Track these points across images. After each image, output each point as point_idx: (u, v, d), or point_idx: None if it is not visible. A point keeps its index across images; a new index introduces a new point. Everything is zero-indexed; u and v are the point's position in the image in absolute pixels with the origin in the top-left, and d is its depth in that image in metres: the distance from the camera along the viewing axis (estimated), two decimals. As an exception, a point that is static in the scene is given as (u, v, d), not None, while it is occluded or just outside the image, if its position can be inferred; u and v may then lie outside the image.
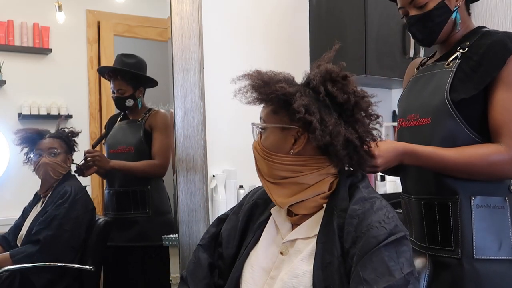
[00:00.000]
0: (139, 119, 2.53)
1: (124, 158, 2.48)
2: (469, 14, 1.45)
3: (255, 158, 1.15)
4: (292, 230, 1.13)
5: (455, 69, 1.33)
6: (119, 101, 2.51)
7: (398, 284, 0.93)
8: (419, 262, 1.15)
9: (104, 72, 2.58)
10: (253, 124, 1.16)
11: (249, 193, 1.31)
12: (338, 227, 1.02)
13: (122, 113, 2.62)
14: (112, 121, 2.67)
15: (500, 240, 1.29)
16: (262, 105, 1.15)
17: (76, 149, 2.36)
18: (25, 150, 2.30)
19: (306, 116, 1.03)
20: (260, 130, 1.14)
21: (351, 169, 1.13)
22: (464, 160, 1.28)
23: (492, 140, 1.29)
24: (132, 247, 2.46)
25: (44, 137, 2.28)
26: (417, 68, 1.53)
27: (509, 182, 1.33)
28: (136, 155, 2.46)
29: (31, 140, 2.29)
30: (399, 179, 1.57)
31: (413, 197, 1.44)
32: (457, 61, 1.35)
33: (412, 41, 2.50)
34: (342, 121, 1.07)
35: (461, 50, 1.36)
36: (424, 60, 1.54)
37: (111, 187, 2.53)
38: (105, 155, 2.53)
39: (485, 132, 1.31)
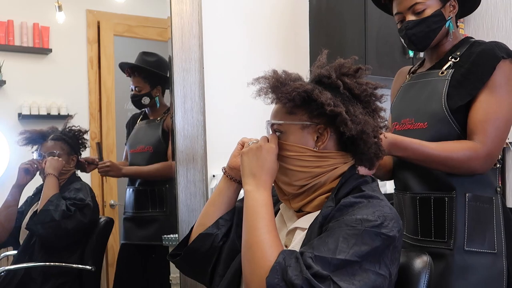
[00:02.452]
0: (158, 119, 2.53)
1: (142, 158, 2.49)
2: (457, 26, 1.56)
3: None
4: None
5: (449, 78, 1.43)
6: (135, 98, 2.53)
7: (333, 262, 0.90)
8: (419, 262, 1.15)
9: (124, 68, 2.59)
10: (269, 122, 1.14)
11: None
12: (323, 217, 1.03)
13: (143, 113, 2.63)
14: (133, 120, 2.68)
15: (484, 235, 1.41)
16: (262, 107, 1.15)
17: (86, 145, 2.39)
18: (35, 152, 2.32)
19: (335, 109, 1.04)
20: (277, 134, 1.13)
21: (364, 163, 1.14)
22: (444, 154, 1.37)
23: (468, 138, 1.39)
24: (150, 246, 2.47)
25: (47, 139, 2.29)
26: (409, 75, 1.63)
27: (496, 183, 1.46)
28: (154, 155, 2.47)
29: (35, 141, 2.30)
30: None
31: (408, 193, 1.52)
32: (450, 70, 1.44)
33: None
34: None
35: (453, 60, 1.45)
36: (414, 68, 1.64)
37: (132, 185, 2.54)
38: (128, 155, 2.55)
39: None
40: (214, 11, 2.29)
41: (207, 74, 2.22)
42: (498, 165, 1.46)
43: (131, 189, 2.54)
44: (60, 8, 2.69)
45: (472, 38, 1.53)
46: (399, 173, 1.57)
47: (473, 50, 1.44)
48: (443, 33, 1.49)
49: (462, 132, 1.41)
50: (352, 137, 1.07)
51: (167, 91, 2.57)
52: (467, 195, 1.41)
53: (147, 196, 2.48)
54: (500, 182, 1.50)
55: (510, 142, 2.66)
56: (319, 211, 1.07)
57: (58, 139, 2.30)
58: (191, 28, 2.18)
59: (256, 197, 1.03)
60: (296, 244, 1.07)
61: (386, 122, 1.15)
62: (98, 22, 2.84)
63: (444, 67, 1.46)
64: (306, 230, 1.06)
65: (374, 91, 1.12)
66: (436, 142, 1.39)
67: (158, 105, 2.54)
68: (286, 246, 1.10)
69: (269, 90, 1.11)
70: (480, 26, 2.84)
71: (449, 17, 1.48)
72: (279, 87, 1.08)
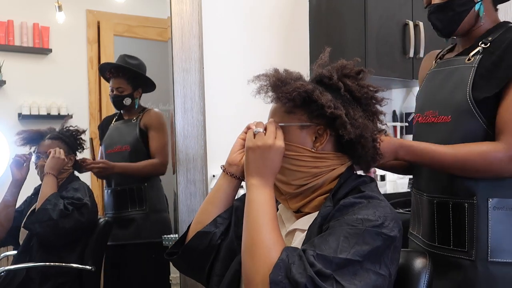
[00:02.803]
0: (134, 118, 2.54)
1: (120, 157, 2.50)
2: (496, 9, 1.41)
3: None
4: None
5: (476, 65, 1.29)
6: (117, 99, 2.53)
7: (335, 261, 0.89)
8: (419, 262, 1.15)
9: (106, 68, 2.59)
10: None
11: None
12: (322, 217, 1.02)
13: (118, 114, 2.63)
14: (106, 122, 2.69)
15: None
16: (262, 107, 1.14)
17: (84, 146, 2.39)
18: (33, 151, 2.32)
19: (335, 111, 1.03)
20: None
21: (361, 165, 1.13)
22: (461, 157, 1.24)
23: (495, 137, 1.25)
24: (131, 245, 2.47)
25: (44, 138, 2.29)
26: (435, 61, 1.48)
27: None
28: (132, 154, 2.48)
29: (33, 141, 2.30)
30: (399, 179, 1.57)
31: (425, 195, 1.40)
32: (478, 56, 1.30)
33: (412, 41, 2.49)
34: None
35: (482, 45, 1.31)
36: (443, 53, 1.49)
37: (109, 186, 2.54)
38: (103, 156, 2.55)
39: None
40: (214, 11, 2.29)
41: (207, 74, 2.22)
42: None
43: (109, 191, 2.54)
44: (60, 8, 2.69)
45: (510, 23, 1.37)
46: (416, 170, 1.45)
47: (506, 36, 1.28)
48: (472, 17, 1.33)
49: (489, 128, 1.26)
50: (351, 140, 1.06)
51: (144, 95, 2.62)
52: (490, 200, 1.26)
53: (125, 196, 2.49)
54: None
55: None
56: (318, 211, 1.07)
57: (55, 138, 2.30)
58: (191, 28, 2.18)
59: (260, 192, 1.02)
60: (296, 245, 1.06)
61: (384, 126, 1.14)
62: (98, 22, 2.85)
63: (472, 53, 1.31)
64: (306, 232, 1.06)
65: (375, 94, 1.11)
66: (451, 145, 1.26)
67: (136, 106, 2.56)
68: None
69: (269, 88, 1.10)
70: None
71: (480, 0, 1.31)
72: (280, 86, 1.07)
